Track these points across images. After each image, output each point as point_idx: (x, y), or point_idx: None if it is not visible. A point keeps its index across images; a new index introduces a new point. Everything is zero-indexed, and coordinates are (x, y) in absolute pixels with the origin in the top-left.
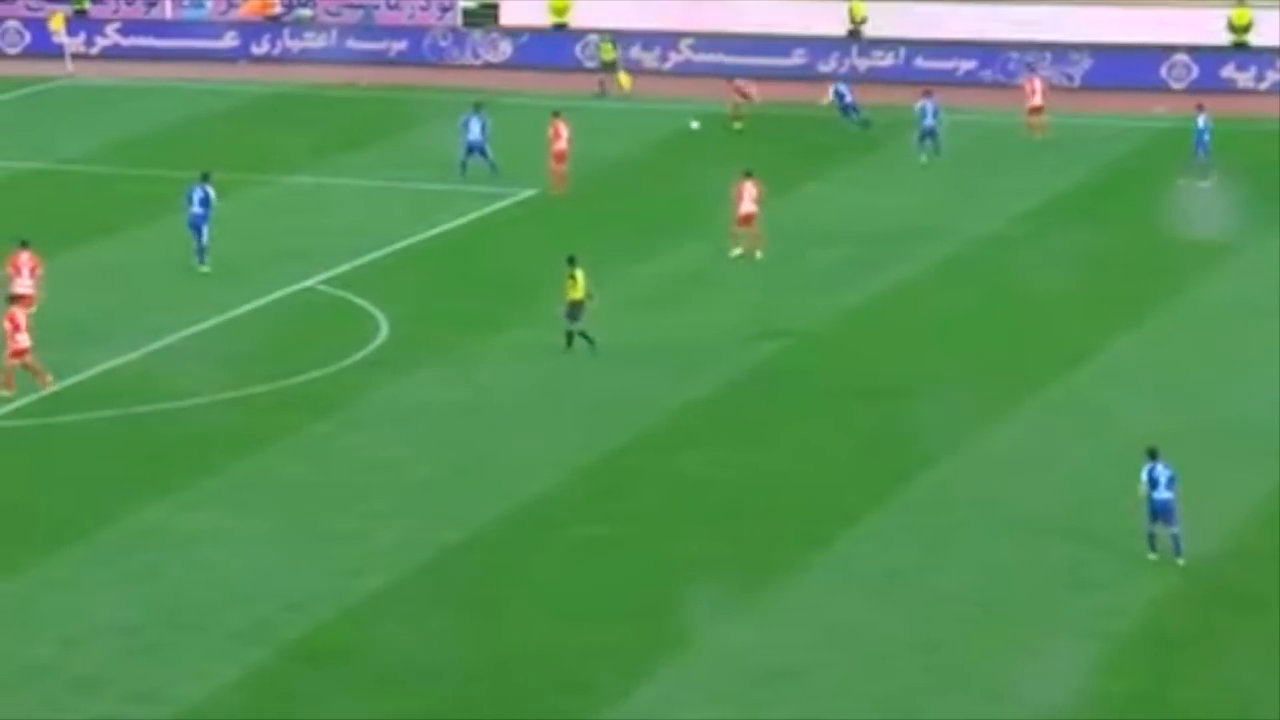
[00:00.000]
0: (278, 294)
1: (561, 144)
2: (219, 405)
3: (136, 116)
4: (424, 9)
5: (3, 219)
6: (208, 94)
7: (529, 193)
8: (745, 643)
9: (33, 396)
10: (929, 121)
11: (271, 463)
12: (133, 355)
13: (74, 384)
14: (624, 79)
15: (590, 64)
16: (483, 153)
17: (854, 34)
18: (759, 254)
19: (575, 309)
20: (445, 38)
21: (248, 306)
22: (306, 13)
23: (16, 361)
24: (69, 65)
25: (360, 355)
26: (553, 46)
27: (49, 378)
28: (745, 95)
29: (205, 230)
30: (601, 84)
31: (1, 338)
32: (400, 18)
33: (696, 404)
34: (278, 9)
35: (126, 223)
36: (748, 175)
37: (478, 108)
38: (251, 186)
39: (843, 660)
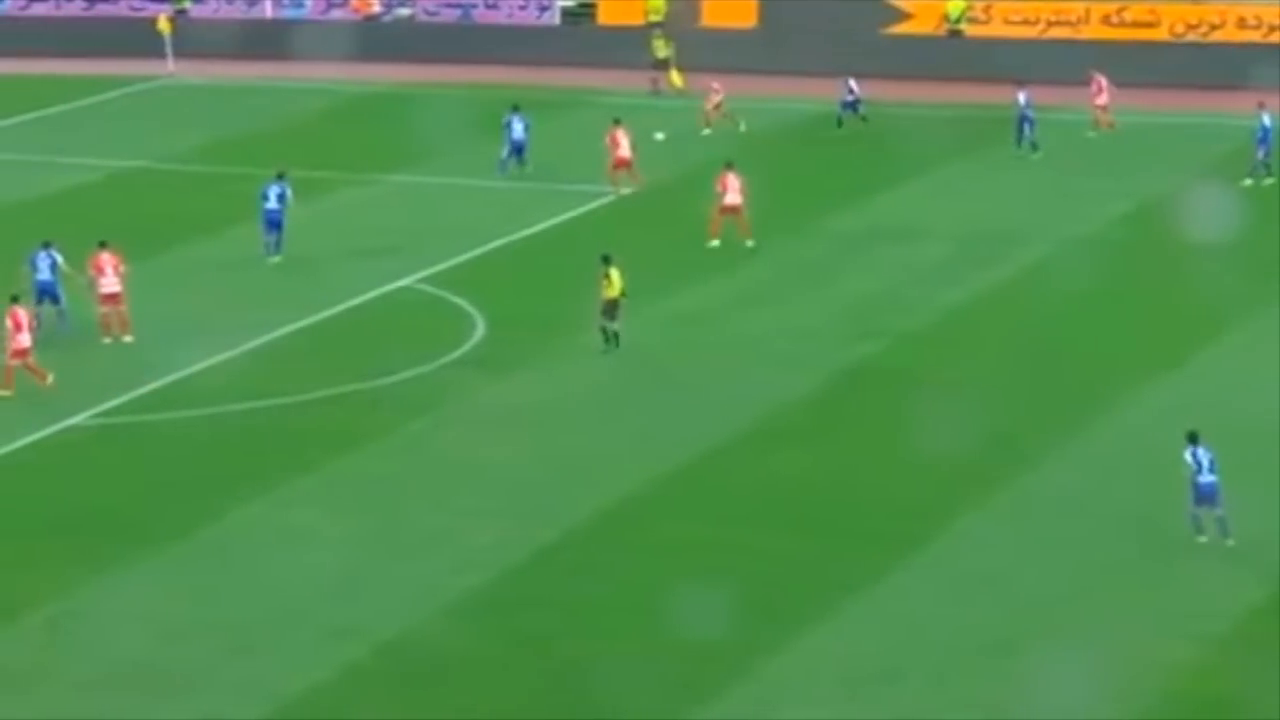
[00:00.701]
0: (375, 292)
1: (621, 152)
2: (316, 403)
3: (237, 115)
4: (522, 8)
5: (103, 217)
6: (308, 93)
7: (624, 191)
8: (840, 644)
9: (130, 395)
10: (1025, 112)
11: (368, 461)
12: (231, 353)
13: (172, 382)
14: (676, 77)
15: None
16: (520, 153)
17: (954, 33)
18: (750, 242)
19: (611, 307)
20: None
21: (345, 305)
22: (406, 11)
23: (17, 361)
24: (170, 64)
25: (457, 354)
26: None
27: (50, 378)
28: (716, 103)
29: (283, 226)
30: (654, 81)
31: None
32: (498, 17)
33: (792, 403)
34: (377, 8)
35: (226, 221)
36: (729, 167)
37: (516, 108)
38: (351, 185)
39: (936, 662)
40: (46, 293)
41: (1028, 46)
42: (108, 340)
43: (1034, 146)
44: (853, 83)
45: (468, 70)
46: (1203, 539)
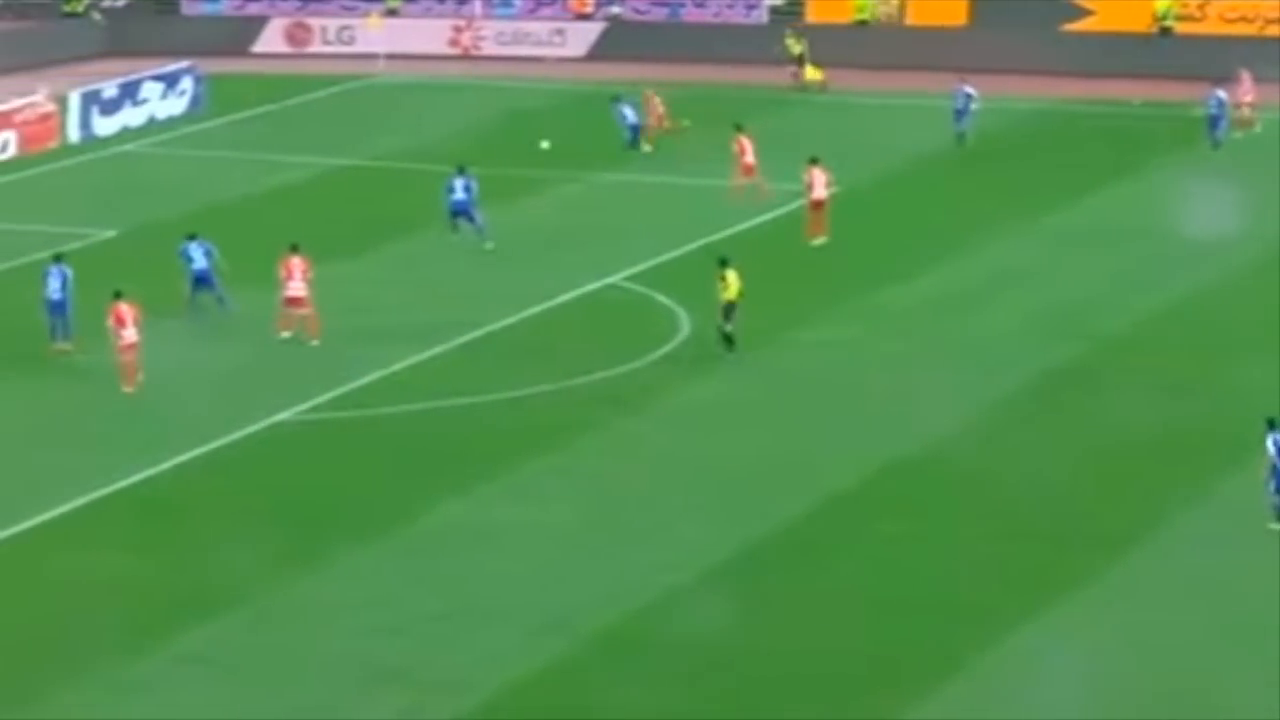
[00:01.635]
0: (581, 290)
1: (748, 158)
2: (522, 400)
3: (447, 114)
4: (730, 7)
5: (313, 215)
6: (518, 91)
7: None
8: (1045, 644)
9: (337, 391)
10: (1214, 111)
11: (574, 458)
12: (438, 350)
13: (380, 378)
14: (812, 72)
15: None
16: (463, 215)
17: (1164, 31)
18: (819, 240)
19: (729, 309)
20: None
21: (552, 302)
22: (616, 10)
23: (130, 357)
24: (381, 64)
25: (662, 352)
26: (853, 44)
27: (138, 380)
28: (659, 116)
29: (477, 214)
30: (795, 76)
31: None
32: (706, 15)
33: (993, 404)
34: (590, 7)
35: (435, 219)
36: (814, 162)
37: (461, 169)
38: (559, 184)
39: (1139, 665)
40: (203, 281)
41: (1242, 44)
42: (285, 335)
43: (1216, 145)
44: (969, 89)
45: (675, 69)
46: (1275, 526)
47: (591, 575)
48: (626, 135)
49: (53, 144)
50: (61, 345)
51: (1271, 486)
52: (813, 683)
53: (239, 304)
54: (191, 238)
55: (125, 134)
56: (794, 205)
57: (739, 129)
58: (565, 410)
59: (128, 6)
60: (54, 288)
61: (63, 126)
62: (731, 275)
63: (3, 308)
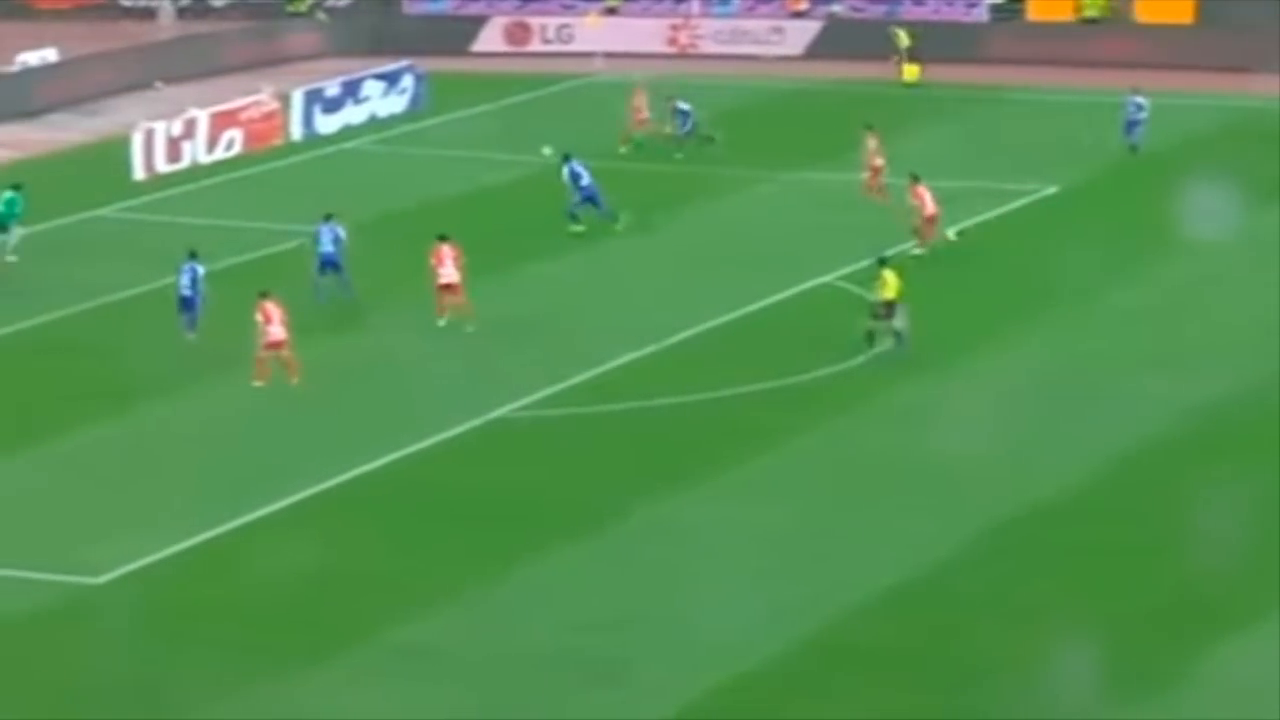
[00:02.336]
0: (796, 289)
1: (879, 160)
2: (736, 399)
3: (665, 112)
4: (949, 4)
5: (530, 213)
6: (735, 89)
7: (1050, 190)
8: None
9: (557, 388)
10: None
11: (786, 458)
12: (653, 348)
13: (595, 376)
14: (909, 71)
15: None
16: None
17: None
18: (920, 250)
19: (889, 308)
20: None
21: (767, 301)
22: (835, 8)
23: (269, 354)
24: (599, 62)
25: (875, 352)
26: (1071, 42)
27: (296, 379)
28: (640, 118)
29: (601, 200)
30: (900, 70)
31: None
32: (925, 13)
33: (1204, 409)
34: (804, 5)
35: (651, 218)
36: (916, 179)
37: (329, 217)
38: (769, 182)
39: None
40: (329, 264)
41: None
42: (441, 322)
43: None
44: (1140, 98)
45: (893, 67)
46: None
47: (803, 576)
48: (682, 130)
49: (276, 142)
50: (189, 336)
51: None
52: (1018, 684)
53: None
54: (327, 219)
55: (346, 132)
56: (1010, 206)
57: (869, 129)
58: (778, 410)
59: (350, 6)
60: (184, 284)
61: (286, 125)
62: (889, 274)
63: (224, 303)
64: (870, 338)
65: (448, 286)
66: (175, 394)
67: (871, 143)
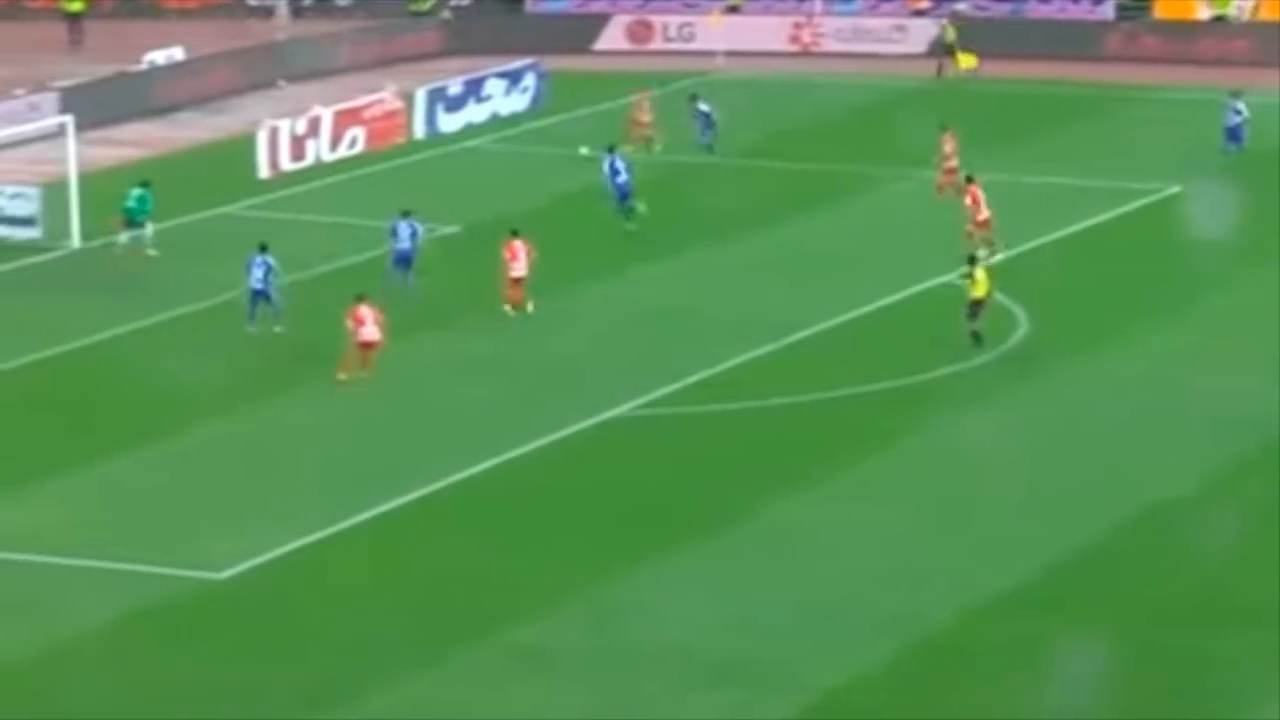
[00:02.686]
0: (916, 289)
1: (952, 162)
2: (854, 399)
3: (786, 111)
4: (1075, 2)
5: (650, 210)
6: (857, 88)
7: (1173, 189)
8: None
9: (673, 387)
10: None
11: (907, 456)
12: (772, 347)
13: (715, 375)
14: (964, 60)
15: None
16: (625, 198)
17: None
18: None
19: (976, 307)
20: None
21: (885, 301)
22: (960, 6)
23: (362, 354)
24: (720, 60)
25: (999, 351)
26: (1198, 40)
27: (369, 373)
28: (641, 120)
29: (630, 197)
30: (940, 67)
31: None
32: (1051, 11)
33: None
34: (926, 3)
35: (778, 217)
36: (971, 180)
37: (406, 213)
38: (894, 181)
39: None
40: (403, 260)
41: None
42: (510, 311)
43: None
44: (1239, 104)
45: (1017, 65)
46: None
47: (923, 575)
48: (699, 134)
49: (399, 140)
50: (254, 329)
51: None
52: (1135, 689)
53: (574, 299)
54: (405, 215)
55: (468, 130)
56: (1134, 205)
57: (944, 129)
58: (899, 408)
59: (473, 5)
60: (256, 277)
61: (409, 123)
62: (980, 274)
63: (340, 302)
64: (977, 338)
65: (518, 280)
66: (293, 392)
67: (948, 146)
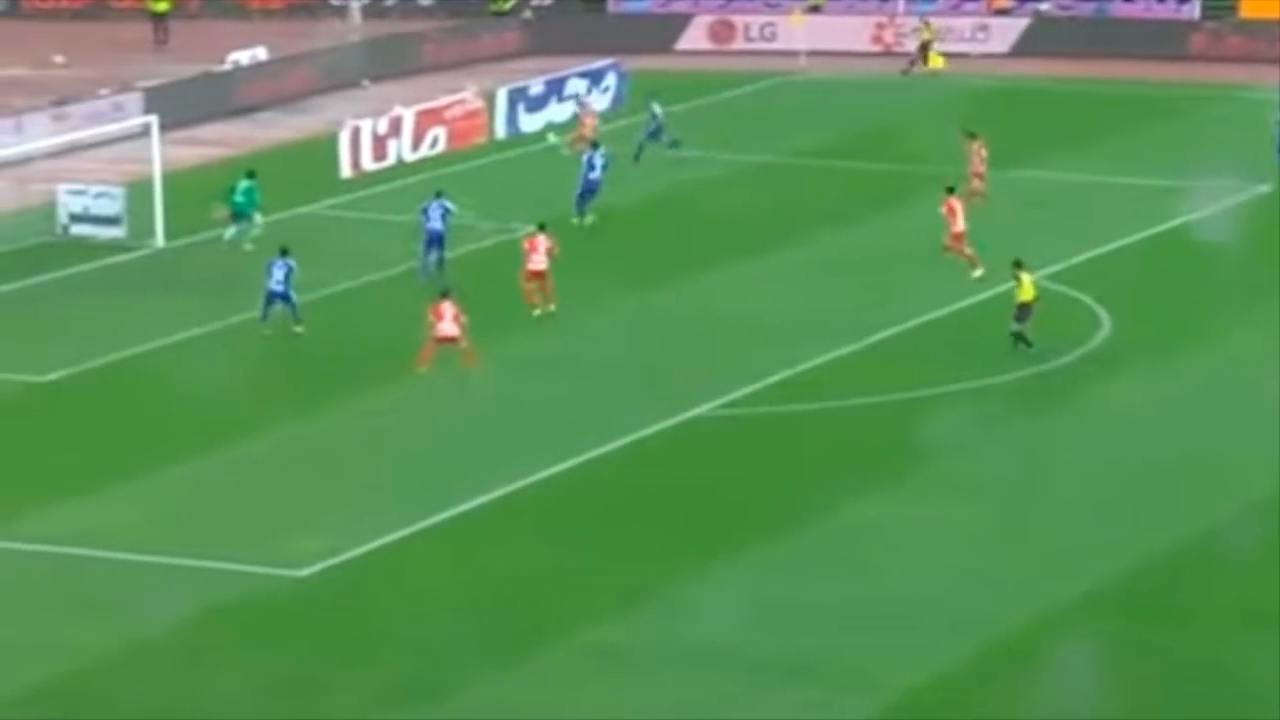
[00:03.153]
0: (996, 290)
1: (982, 168)
2: (935, 399)
3: (868, 111)
4: (1160, 2)
5: (731, 211)
6: (940, 87)
7: (1264, 189)
8: None
9: (754, 387)
10: None
11: (987, 457)
12: (854, 347)
13: (795, 375)
14: (934, 60)
15: None
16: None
17: None
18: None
19: (1023, 310)
20: None
21: (967, 301)
22: (1043, 6)
23: (438, 348)
24: (802, 60)
25: (1080, 352)
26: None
27: (473, 363)
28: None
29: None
30: (911, 63)
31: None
32: (1135, 10)
33: None
34: (1009, 3)
35: (851, 218)
36: (951, 191)
37: (438, 194)
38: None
39: None
40: (435, 240)
41: None
42: (537, 313)
43: None
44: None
45: (1100, 65)
46: None
47: (1001, 577)
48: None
49: (480, 140)
50: (268, 330)
51: None
52: (1213, 692)
53: (652, 299)
54: (437, 195)
55: (549, 130)
56: (1219, 206)
57: (972, 136)
58: (980, 409)
59: (555, 4)
60: (276, 279)
61: (490, 123)
62: (1026, 277)
63: (423, 300)
64: (1018, 338)
65: (536, 273)
66: (371, 391)
67: (978, 155)
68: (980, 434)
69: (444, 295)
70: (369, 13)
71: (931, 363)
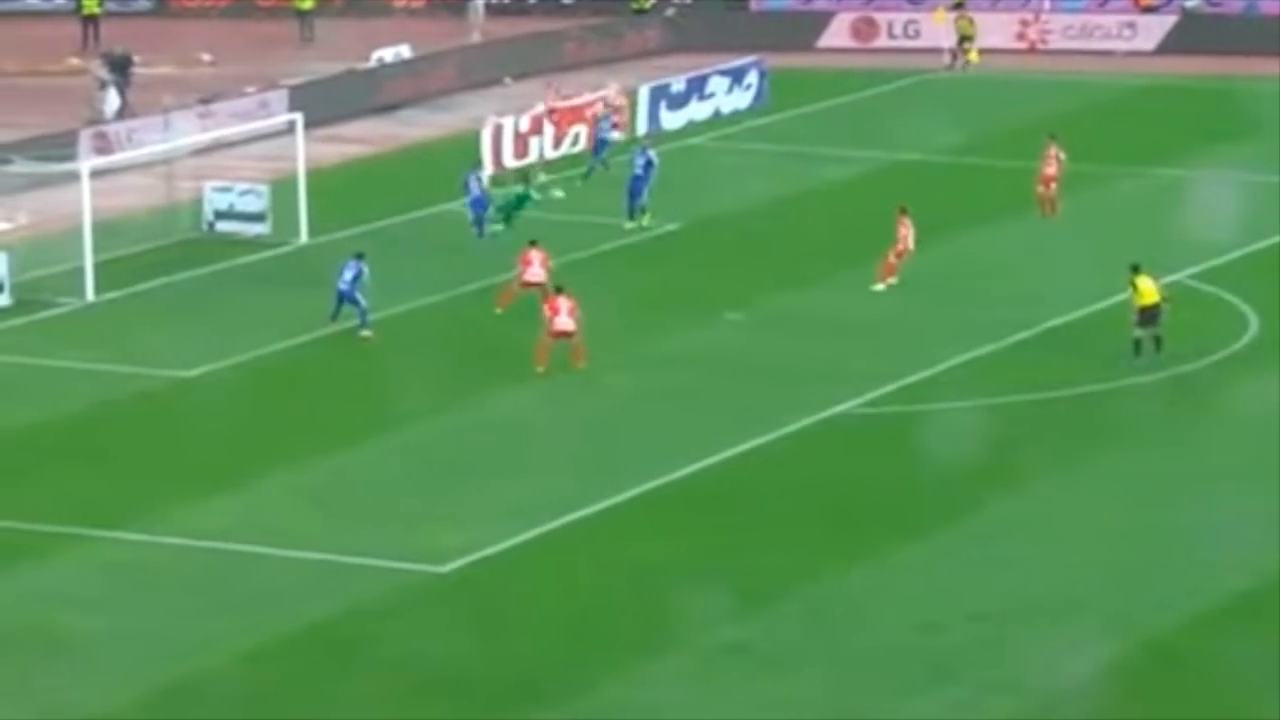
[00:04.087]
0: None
1: (1051, 169)
2: (1080, 397)
3: (1013, 108)
4: None
5: (869, 209)
6: (1085, 85)
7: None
8: None
9: (895, 385)
10: None
11: (1133, 456)
12: (994, 346)
13: (932, 374)
14: (973, 54)
15: None
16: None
17: None
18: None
19: (1146, 314)
20: None
21: (1110, 301)
22: (1191, 3)
23: (552, 341)
24: (946, 58)
25: (1227, 352)
26: None
27: (583, 363)
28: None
29: (644, 192)
30: (953, 56)
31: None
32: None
33: None
34: (1155, 0)
35: (991, 217)
36: (904, 211)
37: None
38: (1120, 179)
39: None
40: (480, 206)
41: None
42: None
43: None
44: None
45: (1250, 63)
46: None
47: (1148, 578)
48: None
49: (621, 137)
50: (335, 325)
51: None
52: None
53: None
54: (476, 166)
55: (691, 128)
56: None
57: (1052, 138)
58: (1126, 408)
59: (697, 2)
60: (345, 279)
61: (632, 120)
62: (1144, 281)
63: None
64: (1137, 346)
65: (530, 284)
66: (516, 386)
67: (1054, 158)
68: (1128, 432)
69: (559, 290)
70: (511, 10)
71: (1073, 361)
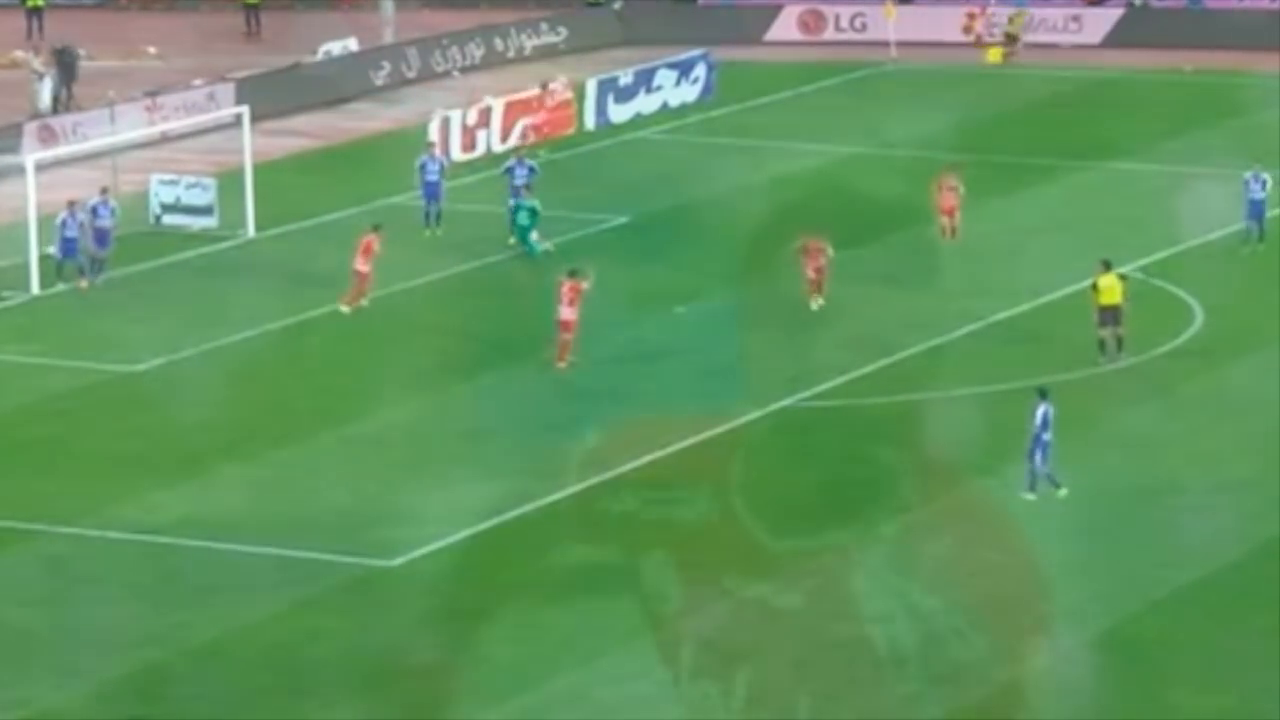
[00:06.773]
0: (1091, 281)
1: (951, 201)
2: (1024, 392)
3: (958, 101)
4: None
5: (821, 201)
6: (1032, 79)
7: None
8: None
9: (841, 379)
10: None
11: (1080, 450)
12: (942, 339)
13: (891, 364)
14: (993, 54)
15: None
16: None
17: None
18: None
19: (1106, 313)
20: None
21: (1059, 293)
22: None
23: (569, 335)
24: (892, 51)
25: (1173, 345)
26: None
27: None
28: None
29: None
30: (1007, 54)
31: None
32: (1230, 1)
33: None
34: None
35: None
36: (809, 239)
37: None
38: (1073, 172)
39: None
40: (432, 195)
41: None
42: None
43: None
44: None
45: (1193, 56)
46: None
47: (1097, 570)
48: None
49: (569, 131)
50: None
51: (1035, 457)
52: None
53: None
54: (428, 147)
55: (638, 120)
56: None
57: (950, 168)
58: (1072, 402)
59: None
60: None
61: (579, 113)
62: (1106, 280)
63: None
64: (1102, 345)
65: (361, 274)
66: (468, 380)
67: (947, 195)
68: (1075, 426)
69: (573, 274)
70: (460, 3)
71: (1018, 355)
